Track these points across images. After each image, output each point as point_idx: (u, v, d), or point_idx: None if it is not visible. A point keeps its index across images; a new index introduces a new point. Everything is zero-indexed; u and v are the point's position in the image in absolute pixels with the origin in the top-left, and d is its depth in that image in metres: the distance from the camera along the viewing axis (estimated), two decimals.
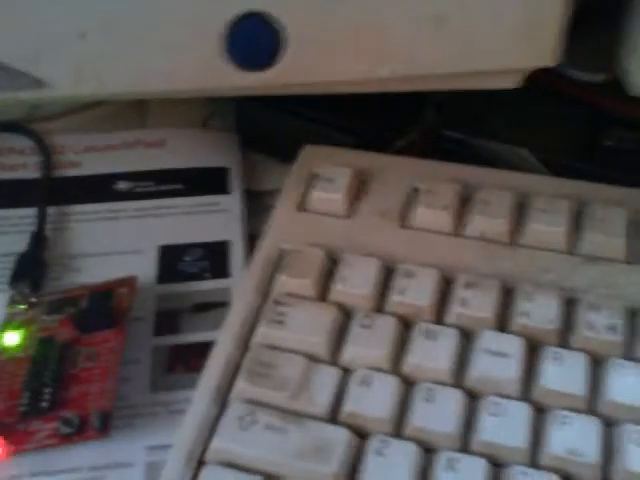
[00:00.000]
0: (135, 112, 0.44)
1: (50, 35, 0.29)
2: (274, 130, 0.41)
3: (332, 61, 0.29)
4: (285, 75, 0.30)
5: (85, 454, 0.28)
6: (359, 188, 0.33)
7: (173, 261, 0.35)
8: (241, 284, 0.30)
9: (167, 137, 0.42)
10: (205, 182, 0.39)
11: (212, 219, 0.38)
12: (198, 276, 0.35)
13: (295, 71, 0.30)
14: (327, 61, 0.29)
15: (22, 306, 0.32)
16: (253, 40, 0.29)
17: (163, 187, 0.39)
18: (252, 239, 0.37)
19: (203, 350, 0.31)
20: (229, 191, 0.39)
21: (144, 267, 0.35)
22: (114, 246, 0.36)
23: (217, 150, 0.41)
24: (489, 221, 0.30)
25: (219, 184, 0.39)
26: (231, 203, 0.38)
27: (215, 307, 0.33)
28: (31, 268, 0.34)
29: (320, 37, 0.29)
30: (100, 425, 0.27)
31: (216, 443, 0.25)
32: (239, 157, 0.41)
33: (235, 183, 0.39)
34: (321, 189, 0.32)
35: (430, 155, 0.36)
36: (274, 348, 0.27)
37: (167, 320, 0.33)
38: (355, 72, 0.30)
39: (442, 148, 0.39)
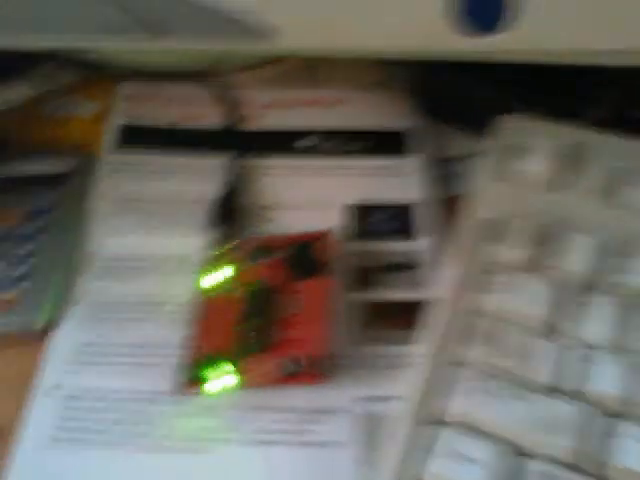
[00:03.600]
0: (311, 71, 0.44)
1: None
2: (453, 95, 0.41)
3: (569, 30, 0.29)
4: (515, 41, 0.29)
5: (300, 396, 0.29)
6: (564, 162, 0.33)
7: (360, 220, 0.36)
8: (449, 251, 0.30)
9: (344, 97, 0.42)
10: (385, 144, 0.40)
11: (395, 181, 0.38)
12: (386, 236, 0.35)
13: (526, 38, 0.29)
14: (564, 29, 0.29)
15: (222, 249, 0.34)
16: (486, 2, 0.29)
17: (345, 146, 0.40)
18: (436, 203, 0.37)
19: (398, 309, 0.32)
20: (410, 155, 0.39)
21: (333, 223, 0.36)
22: (302, 200, 0.37)
23: (395, 112, 0.41)
24: None
25: (401, 146, 0.39)
26: (415, 166, 0.38)
27: (405, 268, 0.34)
28: (227, 214, 0.35)
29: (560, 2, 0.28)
30: (317, 370, 0.28)
31: (454, 404, 0.26)
32: (419, 120, 0.41)
33: (417, 146, 0.39)
34: (526, 161, 0.32)
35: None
36: (492, 316, 0.28)
37: (359, 276, 0.34)
38: (597, 42, 0.29)
39: (625, 128, 0.38)
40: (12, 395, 0.30)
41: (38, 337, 0.31)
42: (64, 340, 0.31)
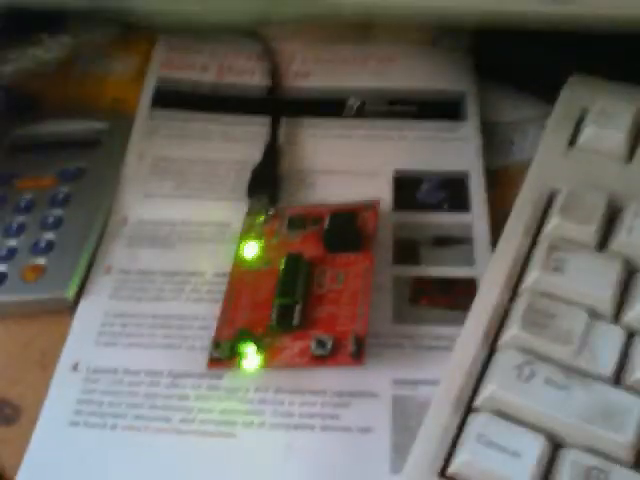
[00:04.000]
0: (364, 26, 0.41)
1: None
2: (513, 55, 0.37)
3: None
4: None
5: (329, 378, 0.27)
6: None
7: (409, 188, 0.33)
8: (507, 224, 0.28)
9: (397, 54, 0.39)
10: (440, 106, 0.37)
11: (449, 147, 0.35)
12: (436, 206, 0.33)
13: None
14: None
15: (261, 217, 0.32)
16: None
17: (395, 108, 0.37)
18: (487, 173, 0.34)
19: (446, 286, 0.30)
20: (465, 118, 0.36)
21: (379, 191, 0.33)
22: (347, 165, 0.34)
23: (451, 72, 0.38)
24: None
25: (455, 110, 0.36)
26: (468, 131, 0.35)
27: (455, 242, 0.31)
28: (268, 180, 0.33)
29: None
30: (355, 350, 0.26)
31: (491, 390, 0.23)
32: (474, 83, 0.38)
33: (472, 110, 0.36)
34: (599, 125, 0.29)
35: None
36: (550, 296, 0.25)
37: (406, 249, 0.31)
38: None
39: None
40: (35, 372, 0.29)
41: (68, 306, 0.30)
42: (92, 312, 0.30)
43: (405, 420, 0.26)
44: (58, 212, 0.32)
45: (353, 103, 0.37)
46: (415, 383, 0.27)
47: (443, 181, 0.34)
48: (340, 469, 0.25)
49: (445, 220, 0.32)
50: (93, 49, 0.39)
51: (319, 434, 0.26)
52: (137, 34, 0.40)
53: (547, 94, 0.33)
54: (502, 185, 0.34)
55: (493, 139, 0.36)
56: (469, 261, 0.30)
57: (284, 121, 0.36)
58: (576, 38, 0.35)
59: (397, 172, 0.34)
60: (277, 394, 0.27)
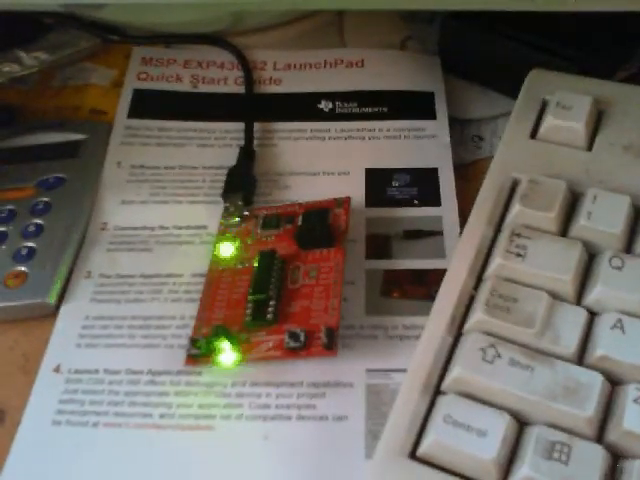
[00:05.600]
0: (332, 31, 0.42)
1: None
2: (480, 54, 0.38)
3: None
4: None
5: (305, 369, 0.28)
6: (598, 118, 0.30)
7: (381, 185, 0.34)
8: (471, 214, 0.28)
9: (366, 57, 0.40)
10: (409, 106, 0.38)
11: (419, 145, 0.36)
12: (407, 202, 0.34)
13: None
14: None
15: (236, 218, 0.32)
16: None
17: (366, 109, 0.38)
18: (457, 168, 0.35)
19: (417, 277, 0.31)
20: (435, 117, 0.37)
21: (352, 189, 0.34)
22: (320, 166, 0.35)
23: (419, 73, 0.39)
24: None
25: (424, 109, 0.37)
26: (438, 129, 0.36)
27: (426, 235, 0.32)
28: (243, 182, 0.34)
29: None
30: (327, 342, 0.27)
31: (457, 372, 0.24)
32: (442, 81, 0.39)
33: (441, 108, 0.37)
34: (559, 117, 0.30)
35: None
36: (513, 282, 0.26)
37: (378, 244, 0.32)
38: None
39: None
40: (18, 376, 0.29)
41: (50, 311, 0.31)
42: (73, 316, 0.31)
43: (379, 407, 0.27)
44: (39, 221, 0.33)
45: (324, 106, 0.38)
46: (388, 372, 0.28)
47: (413, 177, 0.34)
48: (316, 457, 0.26)
49: (416, 214, 0.33)
50: (74, 58, 0.40)
51: (296, 424, 0.27)
52: (113, 47, 0.41)
53: (513, 90, 0.34)
54: (472, 179, 0.35)
55: (463, 136, 0.37)
56: (440, 253, 0.31)
57: (258, 126, 0.37)
58: (539, 35, 0.36)
59: (369, 170, 0.35)
60: (254, 387, 0.28)
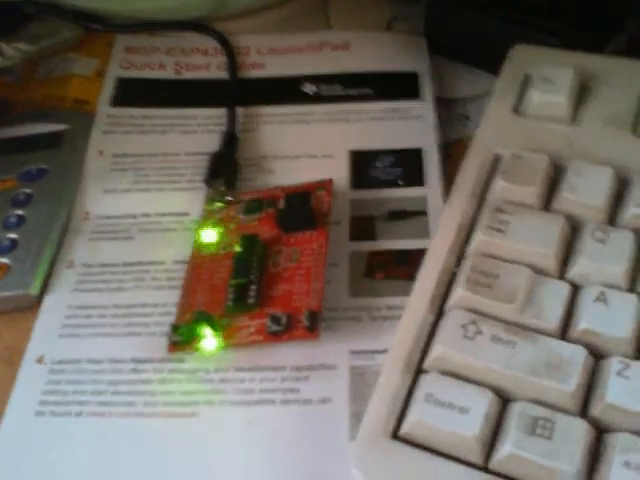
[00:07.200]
0: (318, 14, 0.42)
1: None
2: (465, 33, 0.38)
3: None
4: None
5: (288, 353, 0.28)
6: (581, 91, 0.30)
7: (365, 167, 0.34)
8: (452, 191, 0.28)
9: (352, 40, 0.40)
10: (394, 87, 0.37)
11: (403, 125, 0.35)
12: (391, 183, 0.33)
13: None
14: None
15: (219, 204, 0.32)
16: None
17: (351, 91, 0.37)
18: (443, 148, 0.35)
19: (401, 258, 0.30)
20: (420, 97, 0.36)
21: (336, 171, 0.33)
22: (304, 149, 0.35)
23: (405, 54, 0.39)
24: None
25: (409, 89, 0.37)
26: (423, 109, 0.36)
27: (411, 215, 0.32)
28: (225, 167, 0.34)
29: None
30: (309, 325, 0.26)
31: (438, 350, 0.24)
32: (428, 62, 0.38)
33: (426, 89, 0.37)
34: (541, 91, 0.29)
35: None
36: (494, 257, 0.25)
37: (362, 225, 0.32)
38: None
39: None
40: (1, 368, 0.29)
41: (33, 302, 0.31)
42: (56, 306, 0.30)
43: (363, 389, 0.27)
44: (20, 212, 0.33)
45: (309, 89, 0.37)
46: (372, 353, 0.27)
47: (398, 158, 0.34)
48: (301, 440, 0.26)
49: (400, 195, 0.33)
50: (57, 49, 0.39)
51: (280, 408, 0.27)
52: (96, 36, 0.41)
53: (500, 68, 0.34)
54: (459, 158, 0.34)
55: (450, 115, 0.37)
56: (424, 233, 0.31)
57: (242, 111, 0.37)
58: (525, 12, 0.36)
59: (353, 152, 0.34)
60: (237, 372, 0.28)
